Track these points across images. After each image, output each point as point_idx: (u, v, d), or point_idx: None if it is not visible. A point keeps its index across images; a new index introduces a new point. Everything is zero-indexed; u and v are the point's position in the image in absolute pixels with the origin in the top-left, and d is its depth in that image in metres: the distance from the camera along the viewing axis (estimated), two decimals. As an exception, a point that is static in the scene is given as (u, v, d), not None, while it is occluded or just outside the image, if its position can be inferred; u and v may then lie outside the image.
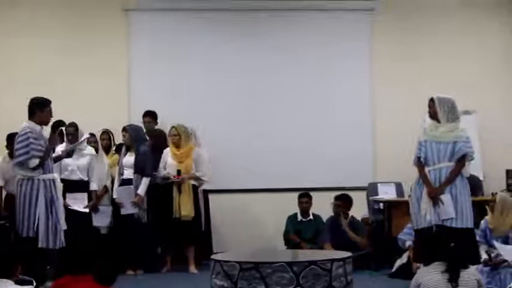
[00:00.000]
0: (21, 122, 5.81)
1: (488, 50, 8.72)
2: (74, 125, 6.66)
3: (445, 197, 5.35)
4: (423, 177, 5.46)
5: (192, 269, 7.00)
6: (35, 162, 5.62)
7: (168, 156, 7.18)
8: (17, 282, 3.91)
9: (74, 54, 8.27)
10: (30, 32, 8.27)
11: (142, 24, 8.39)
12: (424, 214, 5.39)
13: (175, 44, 8.39)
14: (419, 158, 5.51)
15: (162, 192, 7.09)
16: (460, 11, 8.73)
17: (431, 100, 5.54)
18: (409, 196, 5.84)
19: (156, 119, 7.83)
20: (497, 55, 8.74)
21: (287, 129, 8.41)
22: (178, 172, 7.07)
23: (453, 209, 5.33)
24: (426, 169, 5.48)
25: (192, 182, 7.15)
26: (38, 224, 5.60)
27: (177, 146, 7.21)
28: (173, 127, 7.27)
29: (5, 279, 3.77)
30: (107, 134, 7.51)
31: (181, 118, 7.45)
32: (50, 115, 5.79)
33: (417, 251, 5.63)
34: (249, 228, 8.18)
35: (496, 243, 5.64)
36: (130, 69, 8.35)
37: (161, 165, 7.16)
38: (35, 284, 4.45)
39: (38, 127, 5.71)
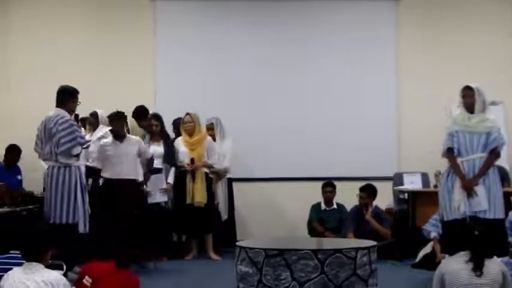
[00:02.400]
0: (46, 112, 5.93)
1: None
2: (94, 115, 6.76)
3: (479, 189, 5.33)
4: (456, 169, 5.41)
5: (213, 255, 7.10)
6: (78, 149, 5.76)
7: (180, 145, 7.25)
8: (47, 267, 4.02)
9: (99, 44, 8.44)
10: (55, 23, 8.45)
11: (168, 14, 8.51)
12: (458, 206, 5.37)
13: (201, 34, 8.49)
14: (451, 148, 5.46)
15: (175, 179, 7.17)
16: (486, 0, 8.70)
17: (470, 89, 5.46)
18: (435, 187, 5.84)
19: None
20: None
21: (312, 119, 8.49)
22: (192, 161, 7.14)
23: (486, 200, 5.33)
24: (458, 160, 5.44)
25: (205, 169, 7.23)
26: (76, 211, 5.73)
27: (190, 133, 7.26)
28: (188, 114, 7.32)
29: (35, 262, 3.82)
30: (157, 118, 7.35)
31: (206, 107, 7.54)
32: (77, 104, 5.92)
33: (445, 243, 5.62)
34: (273, 216, 8.27)
35: None
36: (156, 58, 8.48)
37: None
38: (65, 268, 4.57)
39: (68, 115, 5.81)
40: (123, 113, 6.51)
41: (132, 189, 6.40)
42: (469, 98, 5.46)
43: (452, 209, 5.40)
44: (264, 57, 8.50)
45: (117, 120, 6.44)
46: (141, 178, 6.56)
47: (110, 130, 6.45)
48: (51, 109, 5.90)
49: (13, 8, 8.53)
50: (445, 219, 5.50)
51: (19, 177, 7.63)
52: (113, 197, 6.32)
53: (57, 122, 5.69)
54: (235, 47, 8.50)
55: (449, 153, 5.48)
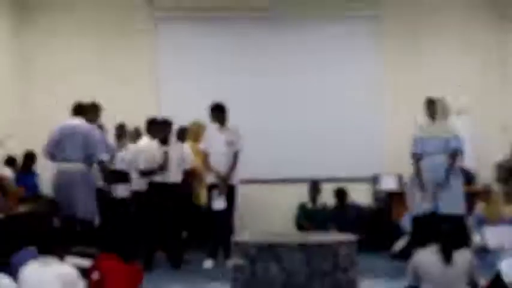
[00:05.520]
0: (55, 118, 6.49)
1: (484, 49, 8.96)
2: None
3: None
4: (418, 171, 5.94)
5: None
6: (108, 156, 6.35)
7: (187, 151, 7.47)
8: (79, 254, 4.37)
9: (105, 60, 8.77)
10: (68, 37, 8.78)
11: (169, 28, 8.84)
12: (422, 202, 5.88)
13: (200, 48, 8.81)
14: (416, 153, 5.98)
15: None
16: (464, 13, 8.99)
17: (432, 101, 6.02)
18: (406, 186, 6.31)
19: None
20: (491, 54, 8.96)
21: (298, 124, 8.75)
22: None
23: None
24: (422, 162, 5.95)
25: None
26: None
27: (197, 140, 7.59)
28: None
29: (50, 256, 4.11)
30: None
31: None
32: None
33: (414, 236, 6.09)
34: (262, 215, 8.42)
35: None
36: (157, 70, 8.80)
37: None
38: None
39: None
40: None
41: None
42: (431, 108, 5.99)
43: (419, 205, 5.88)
44: (259, 67, 8.82)
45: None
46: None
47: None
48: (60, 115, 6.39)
49: (28, 32, 8.77)
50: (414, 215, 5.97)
51: (35, 179, 7.91)
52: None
53: (86, 132, 6.28)
54: (232, 56, 8.80)
55: (414, 157, 6.01)
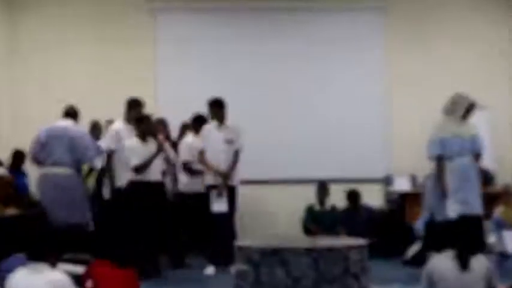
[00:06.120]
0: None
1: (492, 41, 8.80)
2: (111, 122, 7.08)
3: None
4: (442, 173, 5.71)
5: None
6: (100, 162, 6.32)
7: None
8: (73, 261, 4.16)
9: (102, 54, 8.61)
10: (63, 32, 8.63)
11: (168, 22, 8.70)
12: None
13: (200, 41, 8.63)
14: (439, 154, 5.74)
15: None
16: (470, 5, 8.86)
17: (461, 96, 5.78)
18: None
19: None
20: (499, 46, 8.81)
21: (305, 123, 8.58)
22: None
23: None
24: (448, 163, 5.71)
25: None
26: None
27: None
28: None
29: (40, 263, 3.93)
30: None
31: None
32: None
33: (431, 242, 5.85)
34: (268, 218, 8.35)
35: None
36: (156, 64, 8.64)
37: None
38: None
39: None
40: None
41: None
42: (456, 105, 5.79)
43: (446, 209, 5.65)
44: (261, 63, 8.63)
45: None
46: None
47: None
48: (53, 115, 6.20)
49: (21, 25, 8.68)
50: (438, 219, 5.72)
51: (25, 180, 7.74)
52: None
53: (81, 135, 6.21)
54: (234, 52, 8.62)
55: (438, 157, 5.76)
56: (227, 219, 6.61)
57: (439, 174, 5.79)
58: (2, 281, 4.04)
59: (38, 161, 6.19)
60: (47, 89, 8.43)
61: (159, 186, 6.56)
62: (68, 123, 6.21)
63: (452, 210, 5.66)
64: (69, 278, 3.98)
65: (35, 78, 8.56)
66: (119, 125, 6.73)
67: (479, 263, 4.22)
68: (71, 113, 6.27)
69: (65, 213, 5.96)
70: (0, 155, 7.26)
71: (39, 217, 5.82)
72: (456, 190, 5.71)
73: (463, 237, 4.28)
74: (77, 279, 4.26)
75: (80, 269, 4.41)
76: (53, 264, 4.03)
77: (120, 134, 6.61)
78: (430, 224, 5.82)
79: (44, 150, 6.10)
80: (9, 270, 4.11)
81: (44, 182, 6.14)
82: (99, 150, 6.25)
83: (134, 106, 6.68)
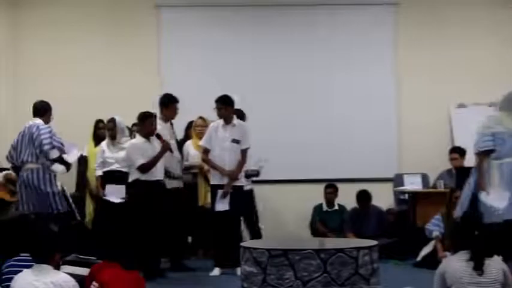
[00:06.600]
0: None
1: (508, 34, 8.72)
2: (112, 121, 6.90)
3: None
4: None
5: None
6: (57, 153, 6.38)
7: (190, 148, 7.28)
8: (75, 263, 4.17)
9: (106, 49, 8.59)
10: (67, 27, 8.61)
11: (173, 19, 8.66)
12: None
13: (204, 38, 8.60)
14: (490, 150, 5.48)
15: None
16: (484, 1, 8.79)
17: None
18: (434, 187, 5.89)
19: None
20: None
21: (313, 121, 8.52)
22: None
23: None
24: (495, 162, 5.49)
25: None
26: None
27: (201, 137, 7.26)
28: (201, 118, 7.36)
29: (44, 264, 3.90)
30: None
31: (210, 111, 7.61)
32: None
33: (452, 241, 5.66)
34: (276, 218, 8.31)
35: None
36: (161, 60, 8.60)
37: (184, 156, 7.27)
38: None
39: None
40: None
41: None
42: None
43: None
44: (267, 60, 8.60)
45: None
46: None
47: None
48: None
49: (24, 13, 8.68)
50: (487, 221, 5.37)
51: None
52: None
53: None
54: (236, 50, 8.58)
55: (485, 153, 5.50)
56: (231, 219, 6.49)
57: (480, 169, 5.49)
58: (7, 282, 4.02)
59: (12, 162, 6.53)
60: (49, 86, 8.34)
61: (163, 185, 6.51)
62: (34, 121, 6.38)
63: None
64: (74, 280, 3.93)
65: (38, 78, 8.53)
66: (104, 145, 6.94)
67: (495, 265, 4.11)
68: (36, 111, 6.44)
69: (33, 205, 6.27)
70: (3, 155, 7.23)
71: (44, 217, 5.98)
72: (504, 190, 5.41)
73: (478, 238, 4.16)
74: (81, 281, 4.13)
75: (84, 271, 4.33)
76: (57, 265, 4.01)
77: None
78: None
79: (16, 151, 6.42)
80: (13, 271, 4.07)
81: (19, 182, 6.42)
82: (57, 142, 6.35)
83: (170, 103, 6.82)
